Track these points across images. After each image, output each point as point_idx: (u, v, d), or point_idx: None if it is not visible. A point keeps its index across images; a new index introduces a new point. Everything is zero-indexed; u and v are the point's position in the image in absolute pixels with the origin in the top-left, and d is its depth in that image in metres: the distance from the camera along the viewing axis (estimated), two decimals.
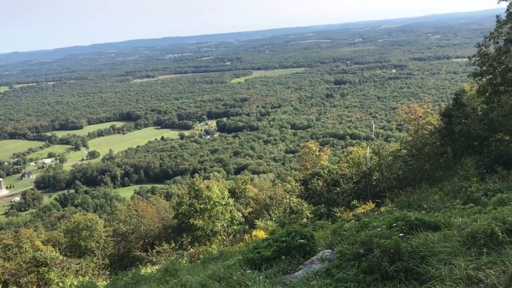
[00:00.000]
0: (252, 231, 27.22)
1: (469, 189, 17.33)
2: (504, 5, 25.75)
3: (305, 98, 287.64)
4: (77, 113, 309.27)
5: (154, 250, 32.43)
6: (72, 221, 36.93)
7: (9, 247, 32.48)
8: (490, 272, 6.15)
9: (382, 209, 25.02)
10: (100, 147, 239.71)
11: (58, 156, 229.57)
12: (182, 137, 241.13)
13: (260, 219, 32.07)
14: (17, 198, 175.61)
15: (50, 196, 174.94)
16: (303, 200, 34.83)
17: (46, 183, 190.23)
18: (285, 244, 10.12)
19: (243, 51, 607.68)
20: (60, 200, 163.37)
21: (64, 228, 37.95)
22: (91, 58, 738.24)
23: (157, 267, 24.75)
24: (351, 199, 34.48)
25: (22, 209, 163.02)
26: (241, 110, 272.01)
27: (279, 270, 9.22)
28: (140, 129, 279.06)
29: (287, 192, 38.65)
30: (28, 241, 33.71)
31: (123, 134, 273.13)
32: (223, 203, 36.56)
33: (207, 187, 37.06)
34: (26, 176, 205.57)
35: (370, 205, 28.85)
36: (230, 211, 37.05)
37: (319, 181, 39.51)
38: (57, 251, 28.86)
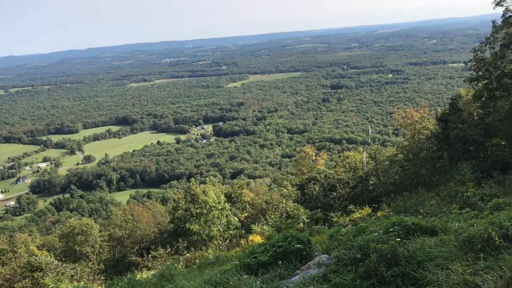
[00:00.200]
0: (249, 236, 27.14)
1: (465, 194, 17.40)
2: (500, 10, 25.99)
3: (302, 102, 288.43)
4: (72, 117, 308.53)
5: (150, 255, 32.20)
6: (67, 225, 36.68)
7: (3, 252, 32.13)
8: (487, 277, 6.16)
9: (379, 214, 25.07)
10: (95, 151, 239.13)
11: (54, 160, 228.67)
12: (178, 141, 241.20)
13: (257, 224, 32.05)
14: (12, 203, 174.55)
15: (45, 201, 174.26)
16: (299, 205, 34.82)
17: (41, 188, 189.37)
18: (281, 249, 10.09)
19: (239, 56, 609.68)
20: (55, 205, 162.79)
21: (59, 232, 37.67)
22: (87, 62, 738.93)
23: (152, 272, 24.65)
24: (347, 204, 34.50)
25: (17, 213, 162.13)
26: (237, 114, 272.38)
27: (276, 275, 9.18)
28: (136, 133, 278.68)
29: (284, 197, 38.59)
30: (23, 245, 33.34)
31: (119, 138, 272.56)
32: (219, 207, 36.47)
33: (203, 191, 36.96)
34: (21, 180, 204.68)
35: (367, 210, 28.86)
36: (226, 216, 36.95)
37: (316, 185, 39.52)
38: (52, 256, 28.59)
